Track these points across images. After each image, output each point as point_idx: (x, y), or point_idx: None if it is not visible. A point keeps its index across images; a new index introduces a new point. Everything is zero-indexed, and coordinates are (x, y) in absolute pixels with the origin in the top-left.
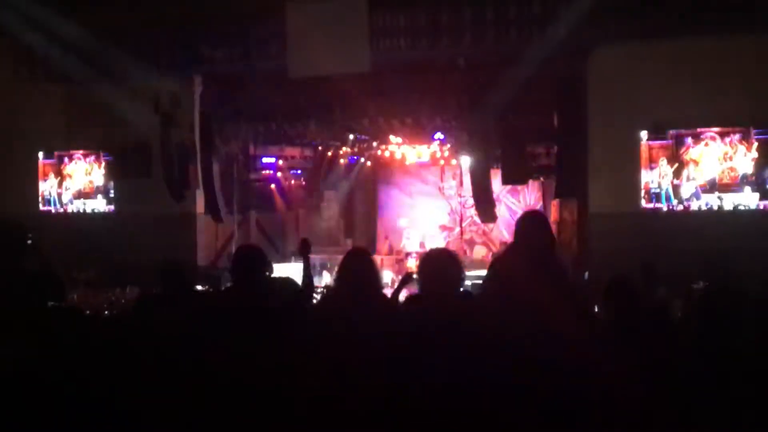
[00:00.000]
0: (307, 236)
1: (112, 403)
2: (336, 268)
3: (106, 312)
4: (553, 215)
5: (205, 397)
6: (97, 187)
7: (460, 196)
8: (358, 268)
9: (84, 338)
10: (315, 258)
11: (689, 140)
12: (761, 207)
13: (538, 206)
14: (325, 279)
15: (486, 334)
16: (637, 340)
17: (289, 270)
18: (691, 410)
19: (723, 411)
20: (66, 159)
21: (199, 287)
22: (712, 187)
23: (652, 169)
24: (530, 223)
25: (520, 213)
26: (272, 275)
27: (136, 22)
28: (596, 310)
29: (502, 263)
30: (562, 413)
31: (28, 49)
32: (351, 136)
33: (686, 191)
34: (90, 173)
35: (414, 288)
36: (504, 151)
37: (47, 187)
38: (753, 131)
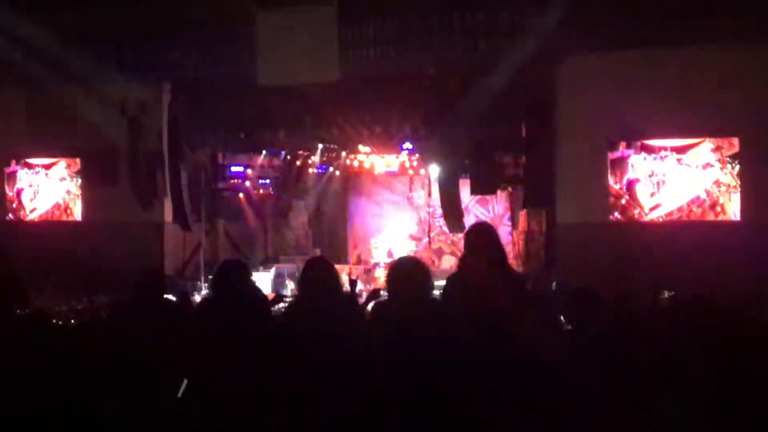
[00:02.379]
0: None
1: (81, 411)
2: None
3: (72, 321)
4: (521, 225)
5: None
6: (64, 194)
7: (428, 206)
8: (318, 278)
9: (48, 345)
10: (283, 267)
11: (657, 150)
12: (729, 218)
13: (506, 216)
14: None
15: (452, 341)
16: (603, 349)
17: (257, 279)
18: (655, 415)
19: (690, 417)
20: (32, 166)
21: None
22: (680, 197)
23: (620, 179)
24: (480, 235)
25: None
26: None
27: (105, 26)
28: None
29: (460, 275)
30: (526, 418)
31: None
32: (320, 146)
33: (654, 201)
34: (57, 180)
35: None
36: (473, 161)
37: (12, 194)
38: (723, 141)
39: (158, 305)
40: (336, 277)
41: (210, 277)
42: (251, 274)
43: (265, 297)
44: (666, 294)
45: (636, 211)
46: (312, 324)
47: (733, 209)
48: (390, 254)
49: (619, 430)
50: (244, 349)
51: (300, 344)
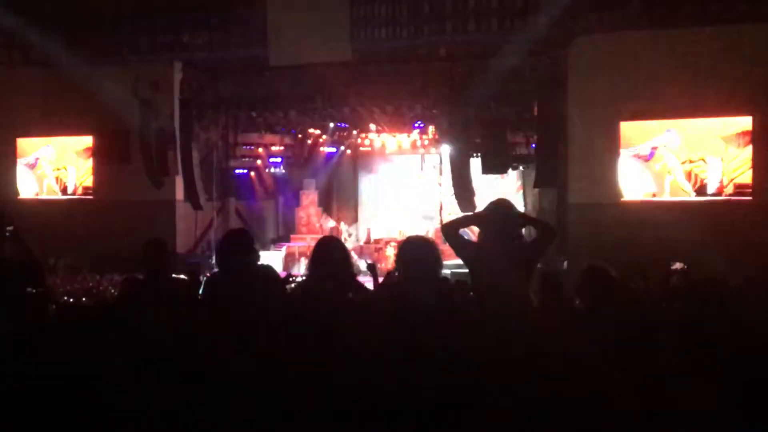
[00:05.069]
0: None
1: (91, 392)
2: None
3: (84, 299)
4: (532, 204)
5: (185, 387)
6: (76, 173)
7: (439, 184)
8: (329, 256)
9: (63, 324)
10: (294, 246)
11: (667, 129)
12: (738, 197)
13: (518, 195)
14: (303, 266)
15: (465, 319)
16: (613, 327)
17: (268, 258)
18: (664, 394)
19: (697, 395)
20: (45, 144)
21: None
22: (690, 177)
23: (630, 158)
24: (500, 210)
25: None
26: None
27: (118, 7)
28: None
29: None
30: (538, 396)
31: (6, 32)
32: (331, 125)
33: (665, 181)
34: (69, 158)
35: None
36: (484, 140)
37: (26, 172)
38: (735, 120)
39: (165, 281)
40: (346, 256)
41: None
42: (254, 242)
43: (275, 273)
44: (678, 265)
45: (647, 190)
46: (319, 304)
47: (745, 188)
48: (401, 233)
49: (630, 408)
50: (253, 324)
51: (307, 323)
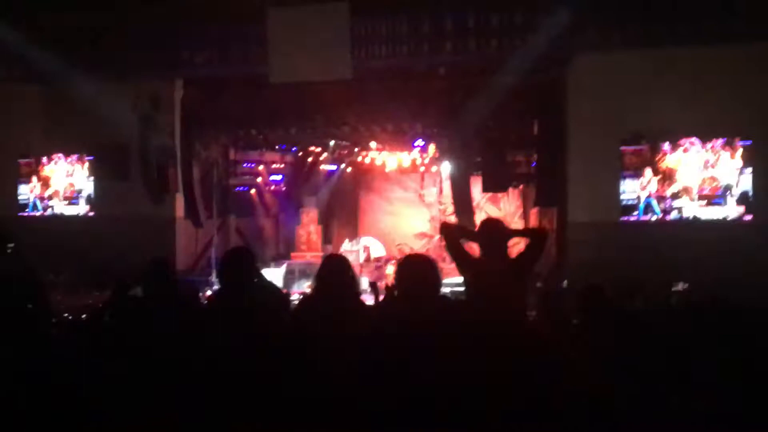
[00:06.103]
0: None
1: (91, 408)
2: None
3: (83, 315)
4: (532, 223)
5: (187, 404)
6: (77, 190)
7: (440, 203)
8: (335, 274)
9: (63, 341)
10: (294, 263)
11: (668, 148)
12: (742, 218)
13: (518, 214)
14: (304, 285)
15: (463, 337)
16: (610, 345)
17: (268, 276)
18: (661, 413)
19: (696, 415)
20: (45, 161)
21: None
22: (691, 197)
23: (631, 178)
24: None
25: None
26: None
27: (118, 22)
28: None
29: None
30: (536, 412)
31: (4, 48)
32: (332, 143)
33: (665, 201)
34: (70, 175)
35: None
36: (484, 158)
37: (26, 189)
38: (734, 142)
39: (167, 299)
40: (352, 275)
41: None
42: (257, 260)
43: (278, 289)
44: (680, 286)
45: (647, 210)
46: (324, 321)
47: (744, 210)
48: (400, 251)
49: (627, 425)
50: (254, 341)
51: (310, 340)
